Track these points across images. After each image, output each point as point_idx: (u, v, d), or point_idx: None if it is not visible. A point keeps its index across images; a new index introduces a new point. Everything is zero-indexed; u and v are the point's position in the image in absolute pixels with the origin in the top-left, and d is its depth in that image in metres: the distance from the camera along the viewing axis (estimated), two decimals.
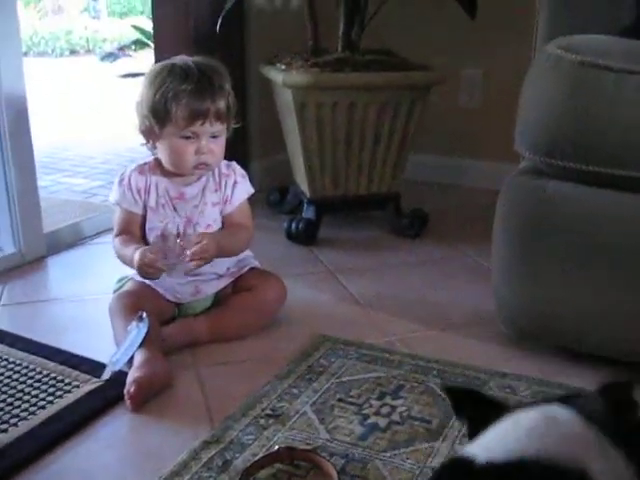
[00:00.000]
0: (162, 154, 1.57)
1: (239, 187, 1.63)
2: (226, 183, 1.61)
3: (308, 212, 2.22)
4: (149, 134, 1.56)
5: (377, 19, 2.25)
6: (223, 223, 1.63)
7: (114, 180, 1.63)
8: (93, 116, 5.13)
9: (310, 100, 2.04)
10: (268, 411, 1.29)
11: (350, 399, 1.33)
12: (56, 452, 1.20)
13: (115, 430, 1.27)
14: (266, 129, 2.64)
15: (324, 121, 2.07)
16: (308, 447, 1.18)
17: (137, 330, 1.43)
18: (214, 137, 1.54)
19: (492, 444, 0.74)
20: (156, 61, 2.57)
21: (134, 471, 1.16)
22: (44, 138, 3.95)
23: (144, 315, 1.44)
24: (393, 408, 1.30)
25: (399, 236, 2.25)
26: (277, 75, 2.11)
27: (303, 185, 2.25)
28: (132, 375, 1.34)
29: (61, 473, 1.15)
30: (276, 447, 1.15)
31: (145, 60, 3.35)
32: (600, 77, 1.28)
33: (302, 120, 2.07)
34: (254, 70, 2.49)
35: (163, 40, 2.52)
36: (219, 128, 1.53)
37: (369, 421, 1.26)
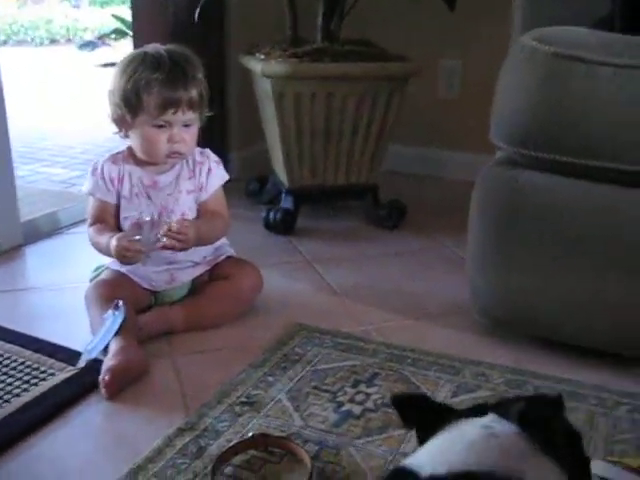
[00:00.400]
0: (135, 143, 1.57)
1: (213, 174, 1.64)
2: (200, 170, 1.62)
3: (286, 202, 2.22)
4: (121, 123, 1.56)
5: (357, 10, 2.25)
6: (198, 211, 1.63)
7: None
8: (72, 106, 5.09)
9: (288, 90, 2.04)
10: (243, 399, 1.30)
11: (325, 387, 1.34)
12: (30, 440, 1.20)
13: (90, 418, 1.27)
14: (245, 119, 2.64)
15: (302, 111, 2.07)
16: (282, 434, 1.18)
17: (113, 318, 1.43)
18: (186, 126, 1.54)
19: (436, 457, 0.78)
20: (135, 47, 2.56)
21: (108, 458, 1.16)
22: (23, 128, 3.92)
23: (120, 304, 1.44)
24: (367, 396, 1.31)
25: (377, 227, 2.26)
26: (256, 65, 2.11)
27: (281, 175, 2.25)
28: (107, 363, 1.34)
29: (35, 460, 1.15)
30: (250, 434, 1.16)
31: (125, 49, 3.33)
32: (572, 68, 1.30)
33: (280, 110, 2.07)
34: (233, 60, 2.48)
35: (142, 29, 2.51)
36: (191, 117, 1.53)
37: (343, 408, 1.27)
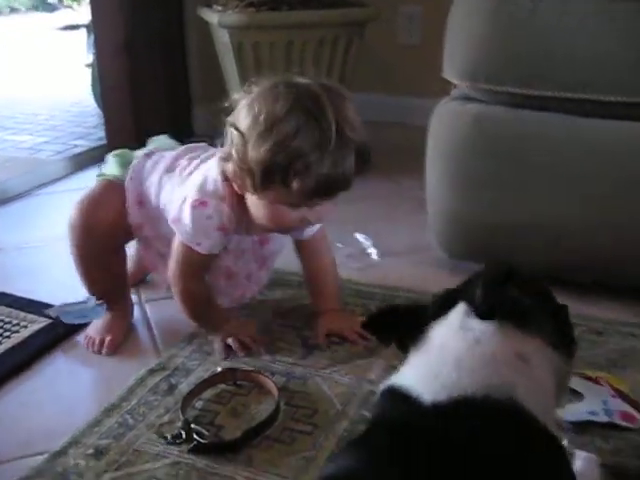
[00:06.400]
0: (251, 206, 1.21)
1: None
2: None
3: None
4: (238, 180, 1.18)
5: None
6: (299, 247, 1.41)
7: (185, 207, 1.22)
8: (36, 71, 5.03)
9: (247, 40, 2.05)
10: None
11: (292, 323, 1.38)
12: (8, 386, 1.23)
13: (64, 364, 1.31)
14: (208, 74, 2.64)
15: (262, 61, 2.08)
16: (250, 368, 1.22)
17: (93, 308, 1.38)
18: None
19: (430, 381, 0.79)
20: (93, 8, 2.52)
21: (83, 400, 1.20)
22: None
23: (105, 307, 1.36)
24: None
25: None
26: (213, 16, 2.11)
27: None
28: (103, 331, 1.35)
29: (14, 404, 1.19)
30: (219, 369, 1.20)
31: (86, 11, 3.30)
32: (517, 2, 1.33)
33: (240, 61, 2.08)
34: (193, 13, 2.47)
35: None
36: None
37: (311, 342, 1.31)
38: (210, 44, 2.34)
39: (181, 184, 1.27)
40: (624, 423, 1.07)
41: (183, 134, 2.61)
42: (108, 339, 1.33)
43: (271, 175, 1.11)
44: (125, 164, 1.37)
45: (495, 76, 1.36)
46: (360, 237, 1.78)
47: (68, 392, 1.23)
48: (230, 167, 1.18)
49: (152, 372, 1.23)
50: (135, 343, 1.36)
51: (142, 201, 1.33)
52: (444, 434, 0.72)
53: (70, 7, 3.75)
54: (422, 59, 2.70)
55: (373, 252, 1.72)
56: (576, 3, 1.28)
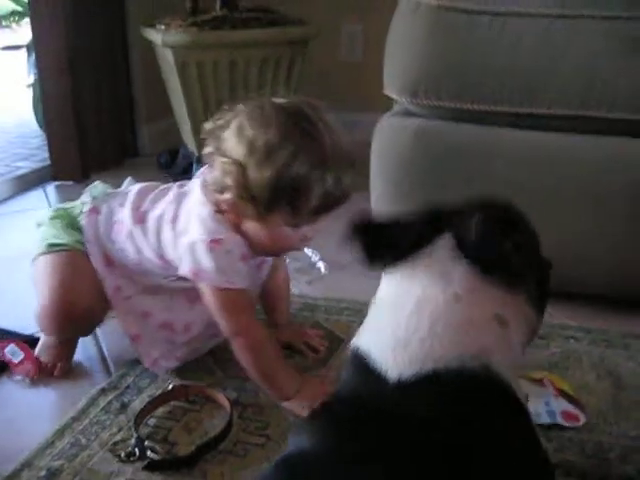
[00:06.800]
0: (251, 233, 1.17)
1: None
2: None
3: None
4: (238, 207, 1.14)
5: None
6: None
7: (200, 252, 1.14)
8: None
9: (191, 59, 2.06)
10: None
11: None
12: None
13: (12, 389, 1.29)
14: (152, 93, 2.64)
15: (206, 80, 2.10)
16: (202, 384, 1.23)
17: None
18: None
19: (399, 352, 0.74)
20: (33, 28, 2.50)
21: (35, 422, 1.19)
22: None
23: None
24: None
25: None
26: (157, 36, 2.12)
27: (191, 145, 2.27)
28: (54, 357, 1.32)
29: None
30: (170, 386, 1.21)
31: (27, 31, 3.27)
32: (455, 19, 1.38)
33: (184, 80, 2.09)
34: (136, 34, 2.47)
35: (40, 8, 2.47)
36: None
37: None
38: (154, 63, 2.35)
39: (173, 234, 1.19)
40: (568, 424, 1.11)
41: (127, 153, 2.61)
42: (59, 365, 1.32)
43: (277, 199, 1.10)
44: (70, 225, 1.29)
45: (434, 91, 1.40)
46: (308, 251, 1.80)
47: (18, 415, 1.21)
48: (226, 198, 1.13)
49: (104, 391, 1.23)
50: (85, 363, 1.35)
51: (110, 261, 1.26)
52: (411, 417, 0.69)
53: (9, 27, 3.71)
54: (364, 75, 2.76)
55: (321, 265, 1.74)
56: (513, 19, 1.34)
